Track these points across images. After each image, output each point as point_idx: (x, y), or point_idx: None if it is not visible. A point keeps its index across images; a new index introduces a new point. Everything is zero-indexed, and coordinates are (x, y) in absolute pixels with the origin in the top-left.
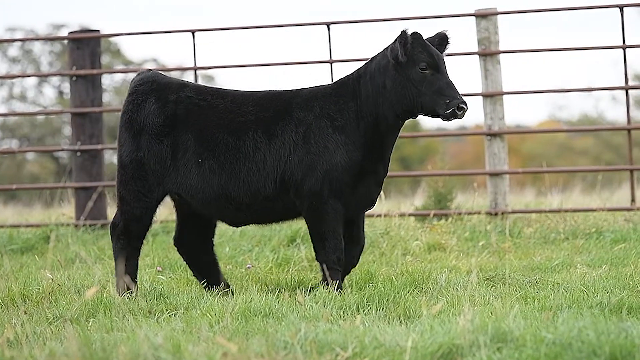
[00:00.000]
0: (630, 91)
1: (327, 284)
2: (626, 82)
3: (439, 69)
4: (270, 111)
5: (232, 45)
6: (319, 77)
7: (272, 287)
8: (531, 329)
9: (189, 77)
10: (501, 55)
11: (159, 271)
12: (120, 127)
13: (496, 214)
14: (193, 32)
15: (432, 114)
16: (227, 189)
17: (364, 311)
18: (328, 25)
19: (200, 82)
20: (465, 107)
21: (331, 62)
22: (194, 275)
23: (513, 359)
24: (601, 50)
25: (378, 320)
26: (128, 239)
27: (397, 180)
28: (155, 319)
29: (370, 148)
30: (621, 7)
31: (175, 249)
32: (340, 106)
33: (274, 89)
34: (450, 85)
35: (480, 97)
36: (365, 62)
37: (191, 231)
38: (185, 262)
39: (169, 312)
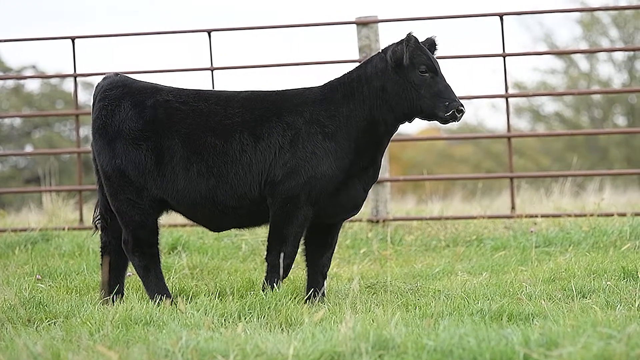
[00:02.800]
0: (510, 99)
1: (267, 284)
2: (506, 90)
3: (437, 72)
4: (256, 113)
5: (115, 52)
6: (200, 83)
7: None
8: (412, 336)
9: (68, 84)
10: None
11: (38, 279)
12: (94, 134)
13: (377, 222)
14: (73, 38)
15: (431, 116)
16: (215, 193)
17: (245, 319)
18: (209, 32)
19: (79, 88)
20: (463, 109)
21: (212, 69)
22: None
23: None
24: (481, 59)
25: (260, 327)
26: (142, 250)
27: None
28: (35, 327)
29: (362, 153)
30: (501, 16)
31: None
32: (332, 112)
33: (259, 90)
34: (448, 88)
35: None
36: (356, 65)
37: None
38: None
39: (48, 321)
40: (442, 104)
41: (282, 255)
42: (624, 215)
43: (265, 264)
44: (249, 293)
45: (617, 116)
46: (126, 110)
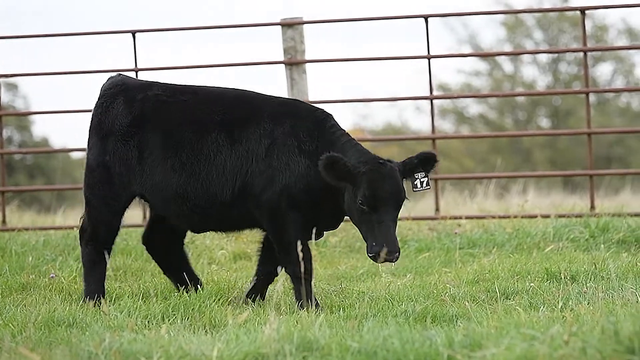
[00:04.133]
0: (434, 101)
1: (298, 296)
2: (431, 92)
3: (377, 208)
4: (237, 115)
5: (39, 53)
6: None
7: (76, 296)
8: (337, 338)
9: None
10: (307, 64)
11: None
12: (90, 130)
13: None
14: None
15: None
16: (186, 190)
17: (169, 320)
18: (133, 33)
19: (2, 89)
20: (388, 257)
21: (136, 70)
22: (164, 274)
23: None
24: (406, 60)
25: (183, 329)
26: (95, 244)
27: None
28: None
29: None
30: (426, 18)
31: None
32: (311, 132)
33: (248, 90)
34: (383, 228)
35: None
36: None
37: (160, 231)
38: (154, 261)
39: None
40: (370, 241)
41: (293, 264)
42: (547, 217)
43: (290, 278)
44: (172, 295)
45: (541, 118)
46: (118, 106)
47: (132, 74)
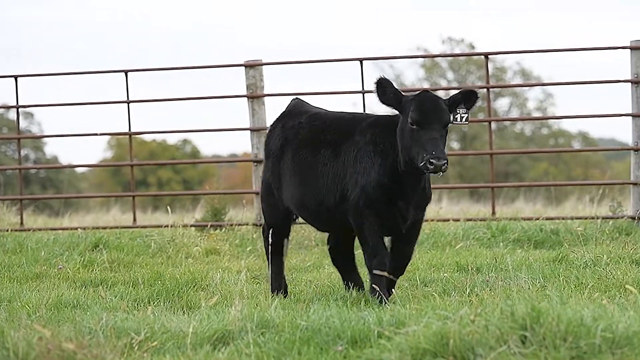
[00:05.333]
0: None
1: (373, 290)
2: None
3: (423, 125)
4: (340, 133)
5: (50, 87)
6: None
7: (80, 284)
8: (289, 318)
9: (12, 114)
10: (266, 98)
11: None
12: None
13: (261, 225)
14: (16, 77)
15: (413, 164)
16: (304, 199)
17: (154, 303)
18: (126, 72)
19: (21, 117)
20: (436, 162)
21: (128, 102)
22: (340, 274)
23: (274, 342)
24: (345, 95)
25: (166, 310)
26: (268, 242)
27: (180, 198)
28: None
29: (400, 177)
30: (361, 60)
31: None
32: (387, 135)
33: (357, 112)
34: (431, 141)
35: (249, 132)
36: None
37: (339, 238)
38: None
39: None
40: (420, 156)
41: (368, 257)
42: (457, 220)
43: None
44: (157, 282)
45: (452, 142)
46: (277, 131)
47: (124, 106)
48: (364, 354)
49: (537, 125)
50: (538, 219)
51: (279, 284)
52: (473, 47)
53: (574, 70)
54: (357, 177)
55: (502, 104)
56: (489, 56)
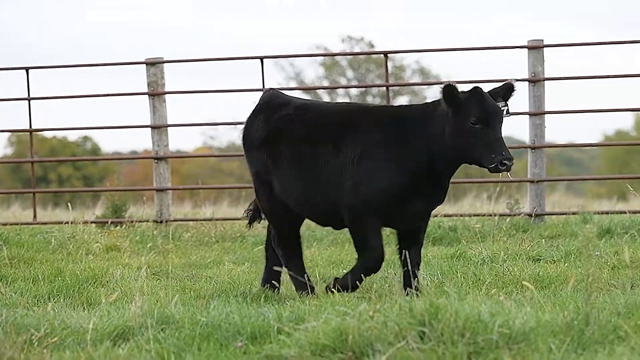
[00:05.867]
0: None
1: (338, 282)
2: None
3: (489, 123)
4: (343, 126)
5: None
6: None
7: None
8: (189, 314)
9: None
10: (167, 95)
11: None
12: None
13: (161, 222)
14: None
15: (479, 164)
16: (306, 194)
17: (54, 300)
18: (27, 69)
19: None
20: (508, 162)
21: (29, 99)
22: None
23: (174, 338)
24: (245, 93)
25: (66, 307)
26: (281, 243)
27: (81, 194)
28: None
29: (420, 179)
30: (261, 59)
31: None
32: (400, 136)
33: (358, 103)
34: (497, 140)
35: (149, 129)
36: (432, 100)
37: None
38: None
39: None
40: (489, 155)
41: (362, 262)
42: None
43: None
44: (57, 279)
45: None
46: (259, 123)
47: (25, 102)
48: (263, 350)
49: None
50: (436, 216)
51: (303, 285)
52: (372, 46)
53: (473, 69)
54: (360, 178)
55: (401, 103)
56: (389, 55)
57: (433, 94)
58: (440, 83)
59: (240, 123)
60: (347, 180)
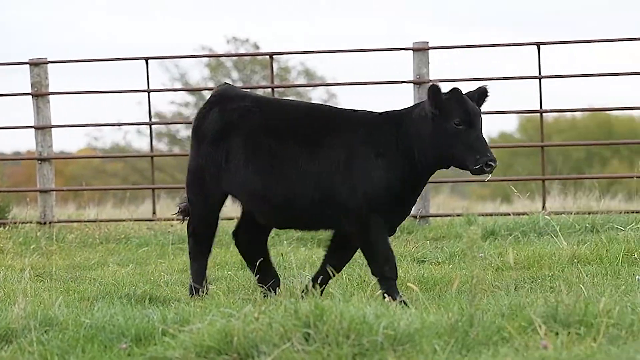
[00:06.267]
0: (153, 126)
1: (385, 296)
2: (150, 118)
3: (472, 124)
4: (319, 128)
5: None
6: None
7: None
8: (72, 315)
9: None
10: (51, 96)
11: None
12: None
13: (45, 223)
14: None
15: (462, 166)
16: (266, 192)
17: None
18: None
19: None
20: (493, 164)
21: None
22: (248, 267)
23: (58, 340)
24: (130, 93)
25: None
26: (195, 238)
27: None
28: None
29: (408, 179)
30: (146, 60)
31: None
32: (385, 135)
33: (327, 105)
34: (481, 141)
35: (33, 130)
36: (414, 104)
37: (248, 227)
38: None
39: None
40: (473, 157)
41: (378, 264)
42: None
43: (376, 280)
44: None
45: None
46: (213, 116)
47: None
48: (148, 352)
49: None
50: None
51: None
52: (258, 47)
53: (359, 70)
54: (354, 182)
55: None
56: (274, 56)
57: (318, 95)
58: (327, 84)
59: (125, 124)
60: (340, 186)
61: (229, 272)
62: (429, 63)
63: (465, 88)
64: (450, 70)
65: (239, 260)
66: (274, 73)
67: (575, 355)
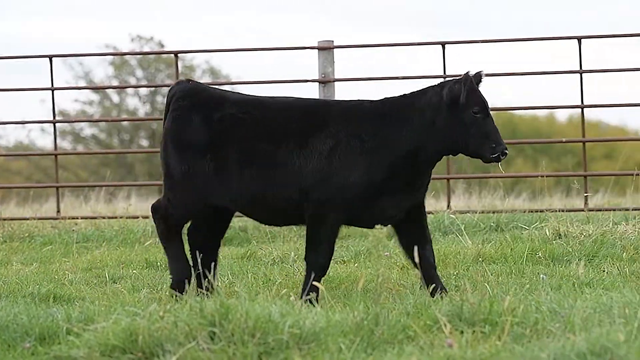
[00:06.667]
0: (57, 124)
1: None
2: (54, 116)
3: (488, 113)
4: (306, 121)
5: None
6: None
7: None
8: None
9: None
10: None
11: None
12: (166, 137)
13: None
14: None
15: (476, 155)
16: (263, 196)
17: None
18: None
19: None
20: (507, 152)
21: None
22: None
23: None
24: (34, 92)
25: None
26: (166, 221)
27: None
28: None
29: (398, 173)
30: (50, 57)
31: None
32: (376, 128)
33: (314, 98)
34: (496, 130)
35: None
36: (411, 92)
37: (201, 228)
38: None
39: None
40: (489, 146)
41: (317, 255)
42: (147, 217)
43: (305, 266)
44: None
45: (141, 139)
46: (196, 123)
47: None
48: (52, 351)
49: None
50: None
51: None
52: (162, 46)
53: (264, 69)
54: (329, 172)
55: None
56: (179, 54)
57: None
58: (232, 83)
59: (29, 122)
60: (313, 174)
61: (134, 271)
62: (334, 62)
63: (372, 87)
64: (355, 69)
65: (144, 258)
66: (179, 71)
67: (480, 353)
